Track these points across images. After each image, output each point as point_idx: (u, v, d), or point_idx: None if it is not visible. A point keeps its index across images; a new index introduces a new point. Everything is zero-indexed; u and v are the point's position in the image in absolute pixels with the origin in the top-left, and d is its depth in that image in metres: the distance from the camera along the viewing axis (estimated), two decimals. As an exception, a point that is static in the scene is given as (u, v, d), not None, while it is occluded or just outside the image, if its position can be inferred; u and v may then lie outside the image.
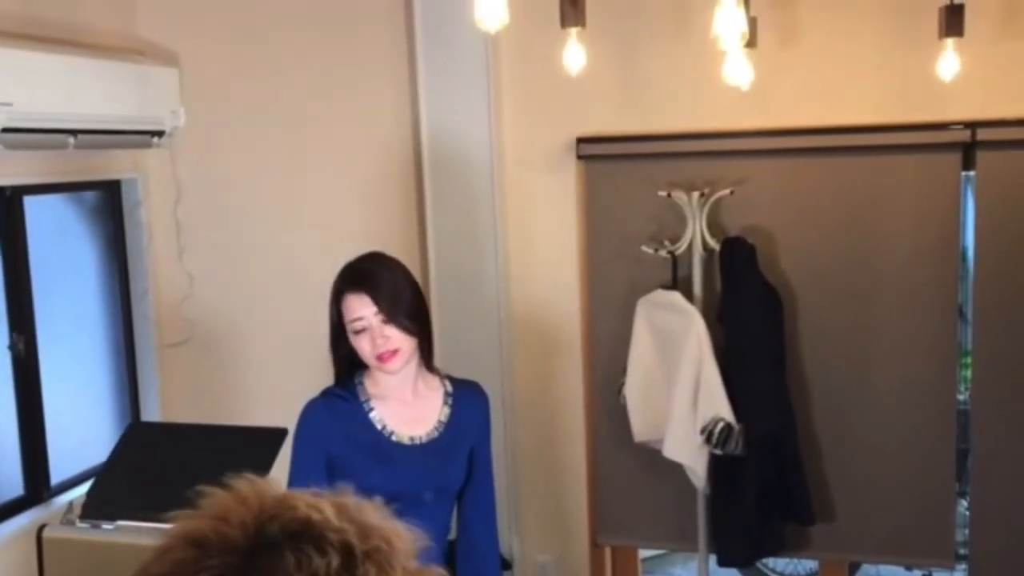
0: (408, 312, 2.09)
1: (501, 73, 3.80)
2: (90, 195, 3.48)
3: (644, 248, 3.63)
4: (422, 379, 2.17)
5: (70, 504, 1.86)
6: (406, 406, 2.14)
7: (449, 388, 2.18)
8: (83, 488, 3.30)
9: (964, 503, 4.01)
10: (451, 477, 2.13)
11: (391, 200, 3.93)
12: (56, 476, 3.26)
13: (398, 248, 3.98)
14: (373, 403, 2.12)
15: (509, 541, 3.84)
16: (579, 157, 3.80)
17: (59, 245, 3.35)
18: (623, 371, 3.67)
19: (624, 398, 3.64)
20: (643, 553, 4.39)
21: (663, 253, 3.58)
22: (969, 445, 3.73)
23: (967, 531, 3.94)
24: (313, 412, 2.09)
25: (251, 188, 3.76)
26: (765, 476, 3.44)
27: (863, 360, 3.64)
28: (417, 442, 2.11)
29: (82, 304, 3.46)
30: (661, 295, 3.55)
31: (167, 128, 3.35)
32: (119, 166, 3.44)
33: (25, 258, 3.12)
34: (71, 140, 2.94)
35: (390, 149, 3.90)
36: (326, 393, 2.17)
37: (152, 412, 3.63)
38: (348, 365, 2.17)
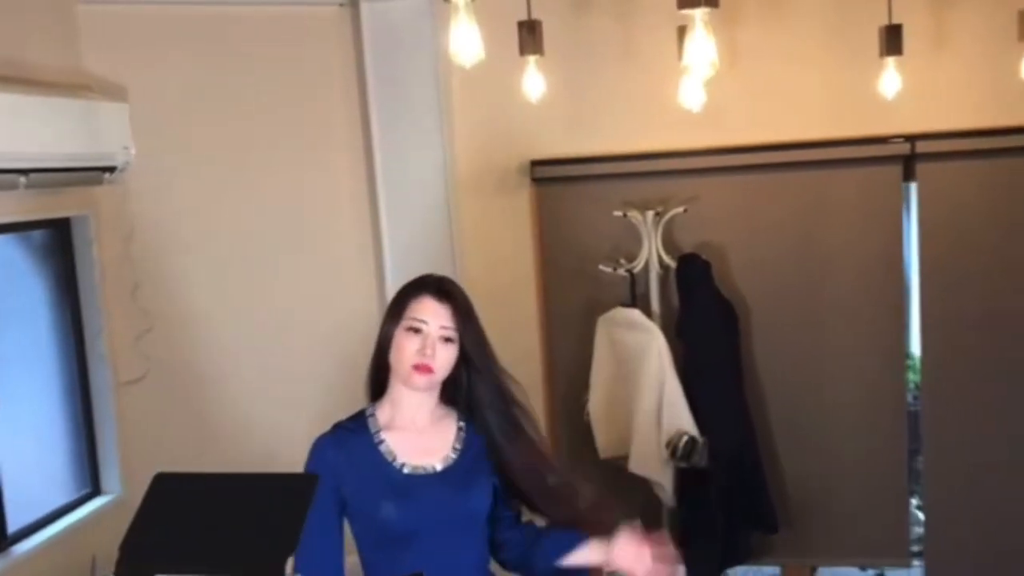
0: (471, 344, 2.04)
1: (453, 100, 3.83)
2: (39, 234, 3.40)
3: (602, 267, 3.69)
4: (439, 408, 2.10)
5: (93, 559, 1.79)
6: (419, 435, 2.06)
7: (462, 420, 2.10)
8: (42, 536, 3.24)
9: (915, 502, 4.14)
10: (474, 505, 2.04)
11: (347, 230, 3.92)
12: (13, 524, 3.16)
13: (356, 274, 3.99)
14: (383, 435, 2.04)
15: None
16: (533, 180, 3.85)
17: (8, 287, 3.26)
18: (585, 389, 3.72)
19: (588, 415, 3.68)
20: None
21: (622, 272, 3.64)
22: (920, 446, 3.86)
23: (919, 529, 4.08)
24: (321, 449, 2.01)
25: (204, 222, 3.71)
26: (729, 487, 3.51)
27: (815, 369, 3.75)
28: (431, 472, 2.03)
29: (34, 345, 3.37)
30: (621, 313, 3.61)
31: (119, 164, 3.29)
32: (69, 204, 3.36)
33: (-24, 302, 3.04)
34: (22, 180, 2.87)
35: (344, 179, 3.90)
36: (335, 428, 2.07)
37: (110, 452, 3.55)
38: (377, 381, 2.09)
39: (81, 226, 3.47)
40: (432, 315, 2.00)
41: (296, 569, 1.06)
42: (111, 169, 3.27)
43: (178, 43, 3.61)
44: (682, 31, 2.56)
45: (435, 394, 2.08)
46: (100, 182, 3.26)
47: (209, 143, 3.67)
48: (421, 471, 2.01)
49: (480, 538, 2.08)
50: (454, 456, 2.06)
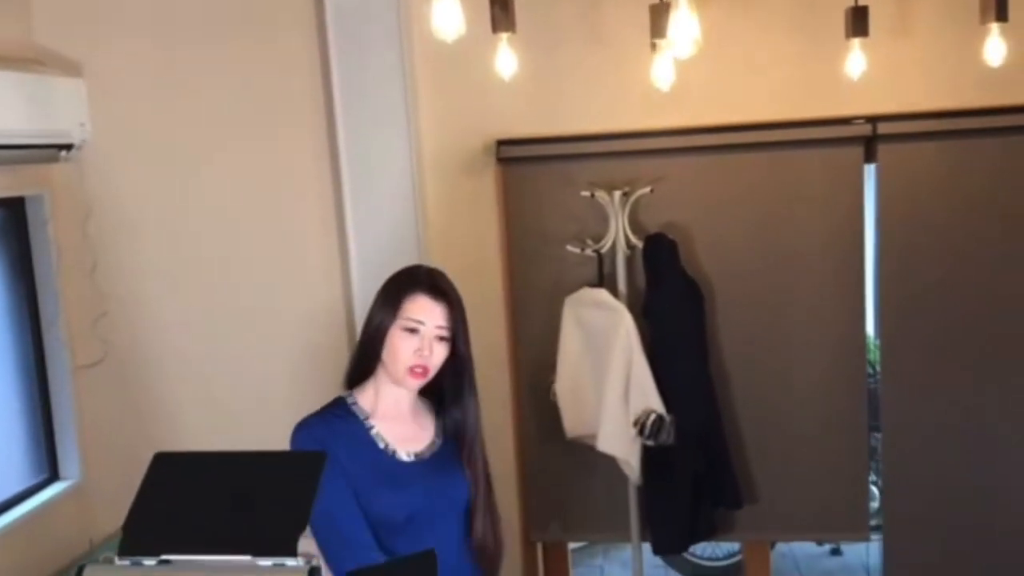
0: (461, 343, 2.06)
1: (417, 77, 3.79)
2: (-9, 213, 3.31)
3: (570, 248, 3.68)
4: (419, 398, 2.13)
5: (90, 542, 1.74)
6: (404, 423, 2.07)
7: (438, 408, 2.15)
8: (0, 522, 3.17)
9: (873, 477, 4.23)
10: (460, 490, 2.08)
11: (309, 210, 3.86)
12: (-30, 512, 3.09)
13: (319, 256, 3.94)
14: (373, 421, 2.05)
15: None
16: (499, 160, 3.83)
17: (-39, 268, 3.18)
18: (551, 369, 3.72)
19: (555, 396, 3.69)
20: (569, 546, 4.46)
21: (589, 252, 3.64)
22: (877, 423, 3.94)
23: (875, 504, 4.17)
24: (309, 429, 1.98)
25: (163, 202, 3.64)
26: (695, 464, 3.54)
27: (777, 348, 3.80)
28: (419, 458, 2.06)
29: (-12, 329, 3.29)
30: (588, 293, 3.61)
31: (75, 141, 3.21)
32: (23, 183, 3.27)
33: (-72, 284, 2.95)
34: (-23, 157, 2.79)
35: (307, 158, 3.84)
36: (322, 411, 2.05)
37: (68, 437, 3.48)
38: (361, 368, 2.09)
39: (36, 206, 3.38)
40: (429, 315, 2.01)
41: (329, 558, 1.04)
42: (67, 147, 3.19)
43: (135, 18, 3.52)
44: (656, 9, 2.56)
45: None
46: (56, 160, 3.18)
47: (168, 121, 3.59)
48: (412, 458, 2.02)
49: (463, 523, 2.09)
50: (439, 442, 2.08)
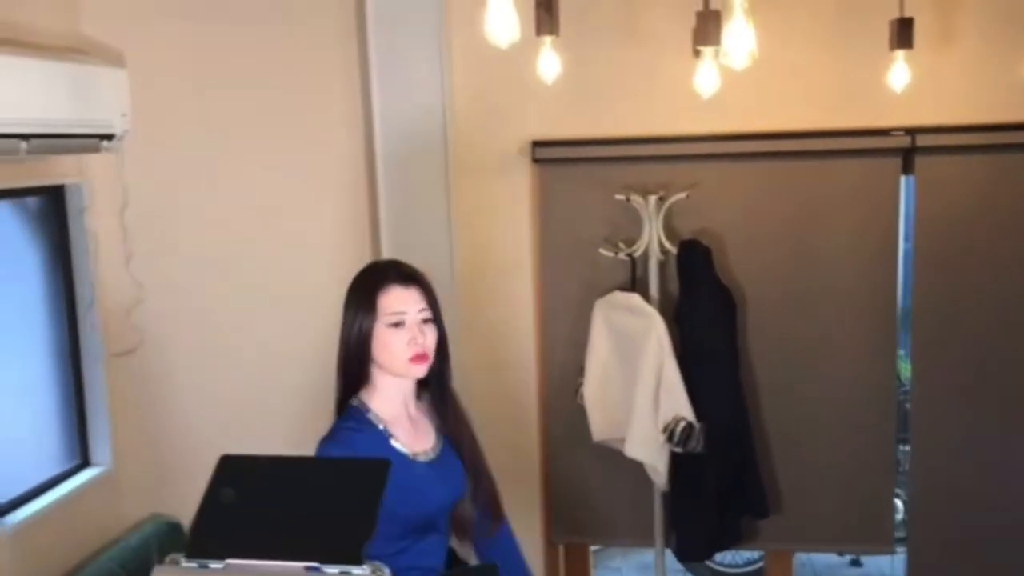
0: (438, 319, 2.05)
1: (455, 77, 3.79)
2: (32, 201, 3.32)
3: (603, 251, 3.68)
4: (419, 394, 2.13)
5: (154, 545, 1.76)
6: (414, 424, 2.07)
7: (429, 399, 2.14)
8: (33, 507, 3.20)
9: (898, 490, 4.21)
10: (461, 490, 2.08)
11: (344, 205, 3.88)
12: (2, 495, 3.12)
13: (352, 253, 3.94)
14: (390, 429, 2.04)
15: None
16: (534, 160, 3.83)
17: (2, 253, 3.20)
18: (579, 372, 3.72)
19: (582, 398, 3.69)
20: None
21: (622, 256, 3.64)
22: (908, 435, 3.92)
23: (898, 516, 4.15)
24: (327, 453, 1.94)
25: (200, 192, 3.66)
26: (722, 472, 3.54)
27: (808, 358, 3.78)
28: (430, 458, 2.05)
29: (26, 314, 3.31)
30: (619, 297, 3.61)
31: (117, 131, 3.23)
32: (63, 171, 3.30)
33: (-30, 269, 2.98)
34: (23, 145, 2.81)
35: (343, 153, 3.85)
36: (340, 429, 2.02)
37: (100, 424, 3.50)
38: (351, 384, 2.07)
39: (75, 194, 3.41)
40: (407, 303, 2.00)
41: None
42: (109, 137, 3.21)
43: (176, 10, 3.54)
44: (704, 16, 2.55)
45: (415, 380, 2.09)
46: (97, 150, 3.20)
47: (204, 112, 3.61)
48: (424, 459, 2.03)
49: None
50: (442, 437, 2.09)
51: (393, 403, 2.05)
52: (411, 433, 2.04)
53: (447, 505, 2.01)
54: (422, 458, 2.02)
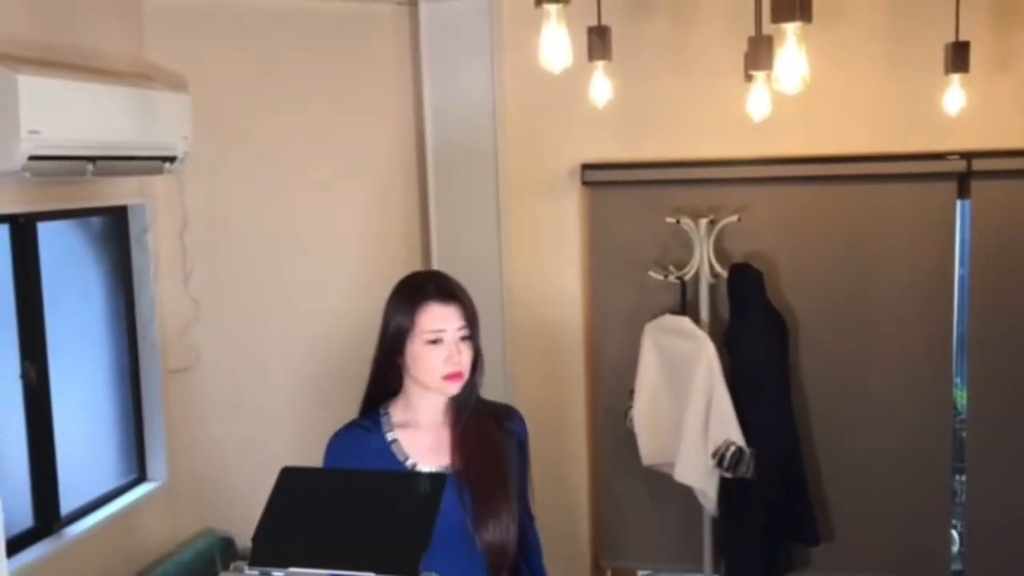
0: (477, 337, 2.02)
1: (507, 98, 3.84)
2: (97, 221, 3.43)
3: (652, 274, 3.69)
4: (449, 405, 2.06)
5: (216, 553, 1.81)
6: (433, 434, 2.02)
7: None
8: (92, 519, 3.27)
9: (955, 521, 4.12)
10: (464, 514, 1.95)
11: (396, 228, 3.94)
12: (65, 507, 3.20)
13: (403, 272, 3.98)
14: (396, 433, 2.01)
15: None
16: (584, 183, 3.85)
17: (68, 272, 3.30)
18: (628, 395, 3.72)
19: (631, 422, 3.68)
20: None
21: (672, 279, 3.64)
22: (963, 464, 3.85)
23: (954, 547, 4.06)
24: (331, 446, 2.00)
25: (257, 214, 3.74)
26: (773, 498, 3.50)
27: (861, 384, 3.74)
28: (447, 472, 1.95)
29: (89, 331, 3.41)
30: (669, 320, 3.61)
31: (178, 153, 3.32)
32: (127, 192, 3.40)
33: (38, 285, 3.06)
34: (90, 167, 2.90)
35: (396, 177, 3.92)
36: (350, 424, 2.05)
37: (157, 440, 3.58)
38: (381, 390, 2.06)
39: (138, 214, 3.51)
40: (446, 321, 1.97)
41: None
42: (171, 159, 3.30)
43: (237, 35, 3.64)
44: (755, 41, 2.56)
45: None
46: (160, 171, 3.29)
47: (264, 136, 3.70)
48: (434, 470, 1.97)
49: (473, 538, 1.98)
50: (464, 461, 2.00)
51: (416, 412, 2.04)
52: (426, 444, 2.02)
53: (447, 522, 1.92)
54: (426, 469, 1.98)
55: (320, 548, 1.02)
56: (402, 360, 2.01)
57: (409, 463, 1.99)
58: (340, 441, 2.02)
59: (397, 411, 2.05)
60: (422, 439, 2.03)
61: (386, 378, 2.05)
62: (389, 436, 2.02)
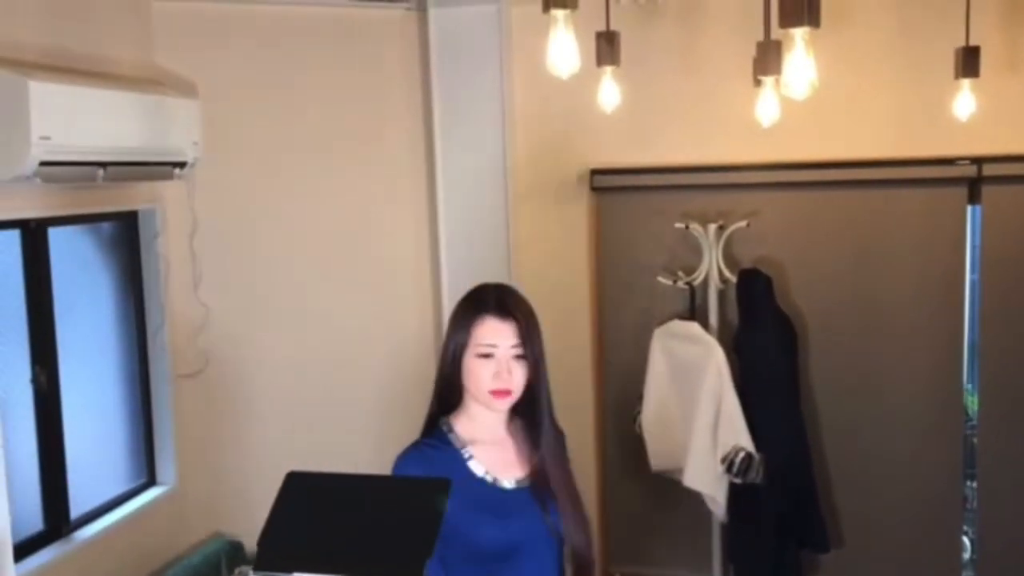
0: (537, 355, 1.96)
1: (515, 105, 3.84)
2: (107, 226, 3.44)
3: (661, 279, 3.68)
4: (511, 420, 2.04)
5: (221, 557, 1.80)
6: (502, 449, 2.00)
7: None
8: (102, 523, 3.28)
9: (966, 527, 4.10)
10: (545, 522, 1.96)
11: (406, 230, 3.95)
12: (75, 510, 3.21)
13: (412, 278, 4.01)
14: (471, 449, 1.98)
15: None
16: (593, 188, 3.85)
17: (78, 277, 3.31)
18: (637, 400, 3.71)
19: (640, 427, 3.68)
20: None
21: (681, 284, 3.63)
22: (975, 471, 3.83)
23: (966, 554, 4.03)
24: (405, 466, 1.94)
25: (267, 218, 3.75)
26: (782, 504, 3.49)
27: (871, 390, 3.73)
28: (523, 485, 1.97)
29: (99, 336, 3.42)
30: (678, 325, 3.60)
31: (189, 159, 3.33)
32: (137, 197, 3.41)
33: (49, 291, 3.08)
34: (100, 173, 2.92)
35: (404, 182, 3.93)
36: (417, 444, 2.00)
37: (166, 444, 3.59)
38: (444, 407, 2.02)
39: (148, 219, 3.52)
40: (500, 337, 1.93)
41: None
42: (181, 164, 3.31)
43: (246, 41, 3.65)
44: (764, 46, 2.55)
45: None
46: (170, 177, 3.30)
47: (273, 141, 3.71)
48: (514, 485, 1.97)
49: (560, 554, 2.02)
50: (533, 470, 1.99)
51: (479, 427, 2.01)
52: (497, 458, 1.99)
53: (531, 535, 1.93)
54: (506, 483, 1.97)
55: (325, 553, 1.03)
56: (459, 372, 1.98)
57: (490, 478, 1.98)
58: (410, 461, 1.96)
59: (462, 427, 2.02)
60: (493, 453, 2.01)
61: (447, 394, 2.02)
62: (465, 452, 1.99)
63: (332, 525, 1.06)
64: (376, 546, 1.03)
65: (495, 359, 1.93)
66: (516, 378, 1.94)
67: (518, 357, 1.94)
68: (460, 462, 1.95)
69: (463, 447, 1.98)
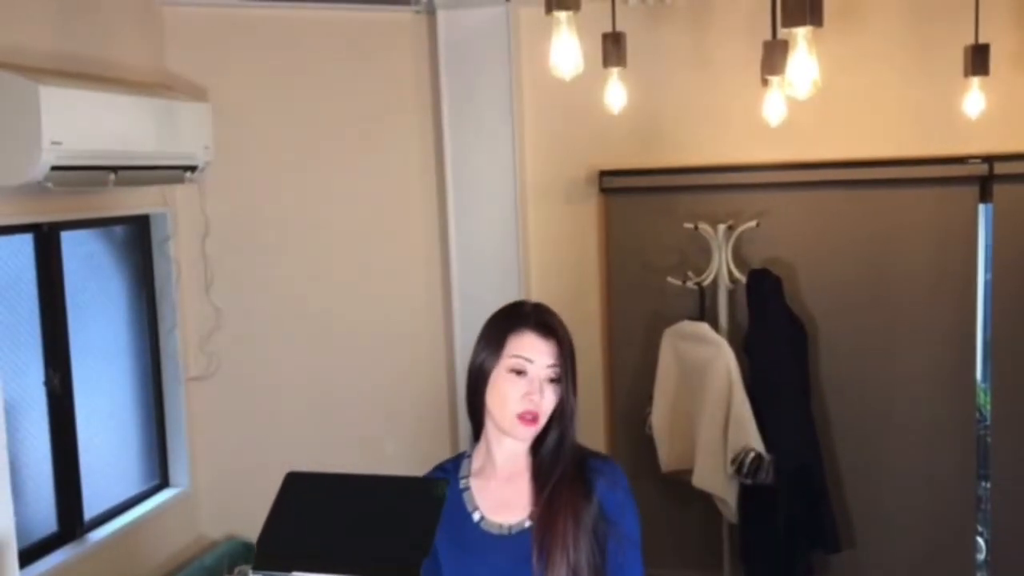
0: (573, 382, 1.77)
1: (525, 108, 3.85)
2: (119, 230, 3.47)
3: (671, 280, 3.68)
4: (528, 456, 1.81)
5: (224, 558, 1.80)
6: (506, 486, 1.81)
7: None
8: (115, 524, 3.31)
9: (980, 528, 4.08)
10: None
11: (416, 235, 3.96)
12: (88, 512, 3.24)
13: (423, 278, 4.03)
14: (471, 481, 1.82)
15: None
16: (602, 190, 3.85)
17: (90, 280, 3.34)
18: (647, 400, 3.71)
19: (650, 428, 3.67)
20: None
21: (690, 285, 3.63)
22: (985, 471, 3.80)
23: (979, 555, 4.01)
24: None
25: (277, 221, 3.77)
26: (793, 505, 3.48)
27: (883, 389, 3.71)
28: (509, 532, 1.77)
29: (112, 339, 3.45)
30: (688, 326, 3.60)
31: (199, 163, 3.36)
32: (148, 201, 3.44)
33: (62, 294, 3.11)
34: (112, 177, 2.94)
35: (415, 183, 3.94)
36: (435, 469, 1.87)
37: (179, 446, 3.62)
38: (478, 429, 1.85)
39: (159, 223, 3.55)
40: (537, 353, 1.74)
41: None
42: (192, 168, 3.33)
43: (256, 44, 3.68)
44: (770, 46, 2.56)
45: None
46: (181, 181, 3.33)
47: (283, 144, 3.73)
48: (497, 530, 1.79)
49: None
50: (535, 517, 1.77)
51: (493, 460, 1.82)
52: (496, 496, 1.81)
53: None
54: (494, 530, 1.79)
55: (323, 552, 1.03)
56: (483, 389, 1.80)
57: (475, 516, 1.80)
58: None
59: (477, 456, 1.85)
60: (495, 490, 1.82)
61: (473, 407, 1.84)
62: (462, 484, 1.83)
63: (330, 524, 1.07)
64: (374, 545, 1.04)
65: (527, 378, 1.74)
66: (547, 402, 1.75)
67: (552, 380, 1.75)
68: (455, 491, 1.80)
69: (465, 476, 1.84)
